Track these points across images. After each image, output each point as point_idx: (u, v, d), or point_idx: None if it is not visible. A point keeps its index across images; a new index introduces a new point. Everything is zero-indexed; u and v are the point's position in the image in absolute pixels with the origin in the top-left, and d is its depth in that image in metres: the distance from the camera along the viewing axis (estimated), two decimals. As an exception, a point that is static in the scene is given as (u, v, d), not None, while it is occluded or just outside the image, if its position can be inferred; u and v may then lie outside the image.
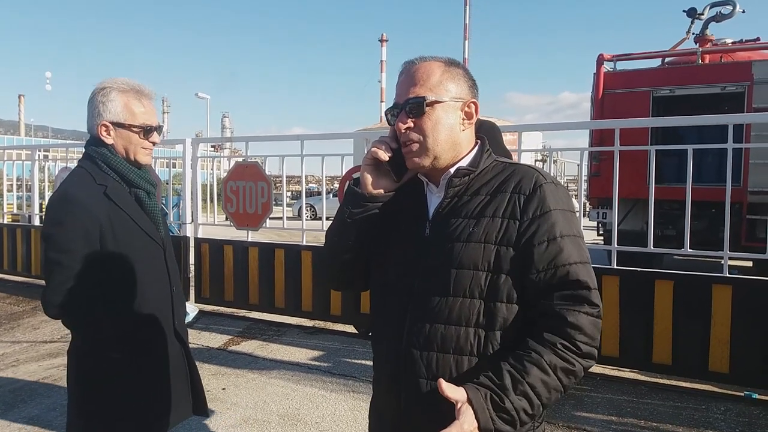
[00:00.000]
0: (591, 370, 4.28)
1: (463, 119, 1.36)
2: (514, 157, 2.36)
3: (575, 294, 1.23)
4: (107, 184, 1.88)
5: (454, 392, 1.17)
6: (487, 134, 2.35)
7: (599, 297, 1.26)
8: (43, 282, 1.86)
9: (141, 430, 1.93)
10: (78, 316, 1.84)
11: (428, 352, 1.28)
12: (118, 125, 1.92)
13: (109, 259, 1.83)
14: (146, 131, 1.96)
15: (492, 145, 2.25)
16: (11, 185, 9.40)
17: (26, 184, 8.47)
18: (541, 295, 1.24)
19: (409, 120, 1.32)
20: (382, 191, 1.38)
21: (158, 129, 2.00)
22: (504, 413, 1.16)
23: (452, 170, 1.35)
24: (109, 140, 1.92)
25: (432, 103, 1.31)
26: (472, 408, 1.15)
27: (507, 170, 1.36)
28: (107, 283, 1.84)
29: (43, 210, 8.09)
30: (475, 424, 1.14)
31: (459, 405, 1.16)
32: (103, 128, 1.91)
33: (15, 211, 9.18)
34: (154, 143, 2.00)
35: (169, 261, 2.06)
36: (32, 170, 7.94)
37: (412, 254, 1.35)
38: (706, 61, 8.26)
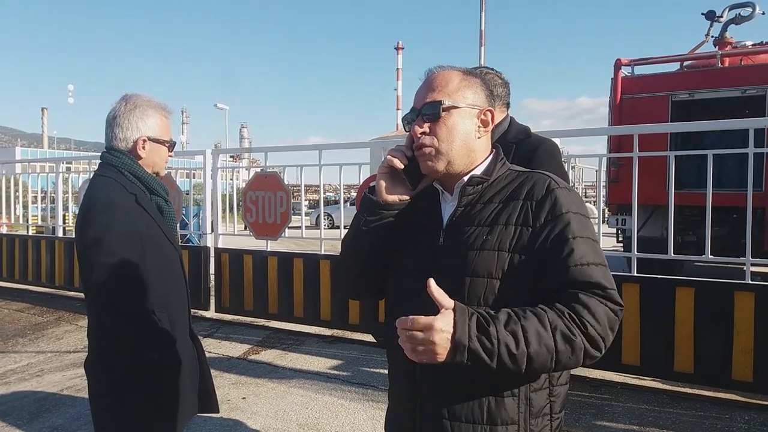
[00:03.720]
0: (611, 378, 4.21)
1: (479, 127, 1.36)
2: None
3: (589, 293, 1.20)
4: (136, 193, 1.98)
5: (442, 297, 1.14)
6: (548, 154, 2.35)
7: (619, 297, 1.22)
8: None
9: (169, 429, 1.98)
10: (119, 315, 1.90)
11: None
12: (153, 140, 2.05)
13: (145, 263, 1.91)
14: (172, 146, 2.13)
15: (550, 165, 2.23)
16: (35, 197, 9.59)
17: (50, 196, 8.64)
18: (554, 294, 1.21)
19: (426, 125, 1.33)
20: (397, 199, 1.38)
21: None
22: (485, 337, 1.11)
23: (465, 178, 1.35)
24: (143, 153, 2.04)
25: (448, 108, 1.32)
26: (454, 316, 1.12)
27: (520, 178, 1.35)
28: (144, 286, 1.92)
29: (66, 222, 8.26)
30: (450, 329, 1.11)
31: (443, 310, 1.13)
32: (142, 142, 2.03)
33: (39, 222, 9.36)
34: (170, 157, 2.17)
35: (182, 265, 2.17)
36: (56, 182, 8.09)
37: (426, 262, 1.34)
38: (726, 65, 8.17)
